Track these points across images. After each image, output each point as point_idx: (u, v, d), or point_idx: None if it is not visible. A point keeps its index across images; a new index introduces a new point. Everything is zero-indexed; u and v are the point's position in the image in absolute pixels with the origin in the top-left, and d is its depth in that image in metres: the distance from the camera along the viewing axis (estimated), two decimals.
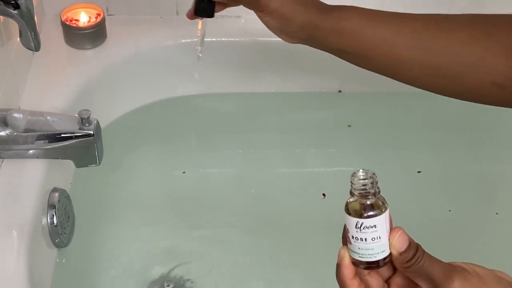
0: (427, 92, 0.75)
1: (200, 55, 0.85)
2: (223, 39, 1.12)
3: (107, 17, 1.08)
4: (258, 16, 0.77)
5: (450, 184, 1.16)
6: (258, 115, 1.20)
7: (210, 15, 0.78)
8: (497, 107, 0.72)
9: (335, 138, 1.19)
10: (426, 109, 1.20)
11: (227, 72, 1.15)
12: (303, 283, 1.02)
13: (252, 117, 1.20)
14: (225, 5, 0.79)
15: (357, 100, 1.20)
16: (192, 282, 0.99)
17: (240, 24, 1.14)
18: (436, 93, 0.73)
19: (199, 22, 0.82)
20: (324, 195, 1.11)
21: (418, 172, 1.16)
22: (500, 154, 1.20)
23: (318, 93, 1.18)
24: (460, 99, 0.72)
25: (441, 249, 1.08)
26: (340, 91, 1.19)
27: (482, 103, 0.71)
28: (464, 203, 1.13)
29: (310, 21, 0.73)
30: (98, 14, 1.06)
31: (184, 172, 1.13)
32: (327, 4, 0.75)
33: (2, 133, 0.79)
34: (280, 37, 0.78)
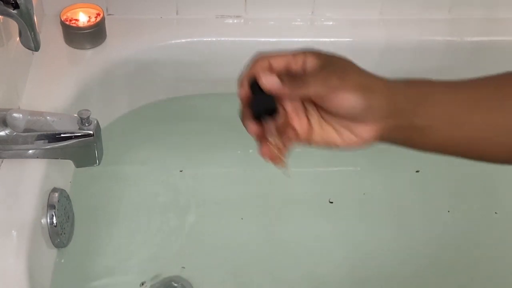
0: None
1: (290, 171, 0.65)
2: (223, 39, 1.12)
3: (107, 17, 1.08)
4: (333, 107, 0.58)
5: (449, 184, 1.16)
6: None
7: (275, 110, 0.58)
8: None
9: None
10: None
11: (227, 72, 1.15)
12: (301, 283, 1.02)
13: None
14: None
15: None
16: (191, 281, 0.99)
17: (240, 24, 1.14)
18: None
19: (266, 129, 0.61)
20: (331, 202, 1.11)
21: (416, 171, 1.16)
22: None
23: None
24: None
25: (440, 249, 1.09)
26: None
27: None
28: (463, 203, 1.13)
29: (392, 86, 0.59)
30: (98, 14, 1.06)
31: (181, 171, 1.13)
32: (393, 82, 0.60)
33: (2, 133, 0.79)
34: (355, 136, 0.60)
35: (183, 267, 1.00)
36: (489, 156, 0.63)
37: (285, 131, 0.61)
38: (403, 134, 0.62)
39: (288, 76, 0.58)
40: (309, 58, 0.59)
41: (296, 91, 0.57)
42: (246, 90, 0.61)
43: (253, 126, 0.62)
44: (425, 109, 0.59)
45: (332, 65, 0.58)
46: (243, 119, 0.63)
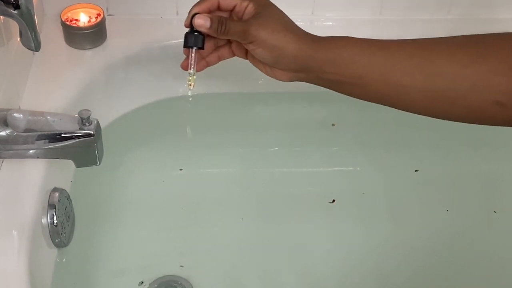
0: None
1: (191, 88, 0.82)
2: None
3: (107, 17, 1.08)
4: (250, 52, 0.75)
5: (448, 183, 1.16)
6: (258, 115, 1.20)
7: (201, 46, 0.76)
8: None
9: (335, 137, 1.19)
10: None
11: (227, 72, 1.15)
12: (301, 283, 1.02)
13: (251, 117, 1.20)
14: (217, 54, 0.79)
15: (357, 100, 1.19)
16: (191, 281, 0.99)
17: None
18: (437, 118, 0.72)
19: (191, 57, 0.79)
20: (333, 200, 1.11)
21: (415, 171, 1.16)
22: (498, 153, 1.21)
23: (318, 93, 1.18)
24: (461, 121, 0.72)
25: (439, 248, 1.09)
26: None
27: (485, 124, 0.71)
28: (462, 202, 1.13)
29: (304, 50, 0.72)
30: (98, 14, 1.06)
31: (181, 170, 1.13)
32: (319, 36, 0.74)
33: (2, 133, 0.79)
34: (274, 76, 0.77)
35: (182, 266, 1.00)
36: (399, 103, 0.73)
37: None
38: (317, 83, 0.75)
39: (225, 17, 0.73)
40: (251, 3, 0.73)
41: (219, 35, 0.73)
42: (188, 22, 0.76)
43: (185, 60, 0.79)
44: (331, 68, 0.71)
45: (261, 17, 0.72)
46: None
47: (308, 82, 0.76)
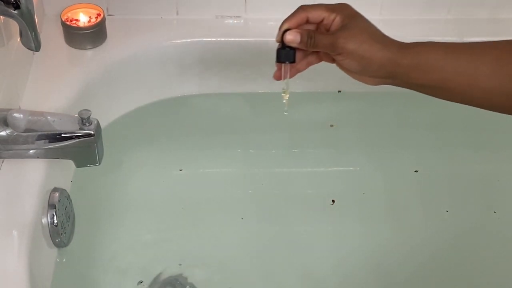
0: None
1: (286, 107, 0.87)
2: (223, 39, 1.12)
3: (107, 17, 1.08)
4: (338, 62, 0.77)
5: (448, 183, 1.16)
6: (258, 115, 1.20)
7: (292, 60, 0.78)
8: None
9: (335, 138, 1.19)
10: (425, 109, 1.20)
11: (227, 72, 1.16)
12: (301, 283, 1.02)
13: (252, 117, 1.20)
14: (306, 61, 0.81)
15: (357, 100, 1.20)
16: (191, 281, 0.99)
17: (240, 24, 1.14)
18: None
19: (283, 70, 0.82)
20: (333, 201, 1.11)
21: (415, 171, 1.16)
22: (498, 153, 1.21)
23: (318, 93, 1.19)
24: None
25: (439, 248, 1.09)
26: (340, 91, 1.19)
27: None
28: (462, 202, 1.13)
29: (390, 58, 0.73)
30: (98, 14, 1.06)
31: (181, 170, 1.13)
32: (404, 42, 0.75)
33: (3, 133, 0.79)
34: (362, 81, 0.78)
35: (180, 264, 1.01)
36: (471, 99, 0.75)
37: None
38: (404, 86, 0.77)
39: (313, 31, 0.76)
40: (338, 15, 0.76)
41: (309, 48, 0.76)
42: (279, 38, 0.78)
43: (277, 71, 0.82)
44: (417, 74, 0.73)
45: (348, 29, 0.74)
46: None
47: (395, 85, 0.78)
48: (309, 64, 0.82)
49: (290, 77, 0.82)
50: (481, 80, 0.71)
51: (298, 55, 0.79)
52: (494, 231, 1.11)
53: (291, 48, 0.77)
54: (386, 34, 0.76)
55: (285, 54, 0.78)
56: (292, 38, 0.76)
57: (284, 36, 0.76)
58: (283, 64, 0.80)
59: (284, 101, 0.85)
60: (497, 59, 0.71)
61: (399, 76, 0.74)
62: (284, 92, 0.85)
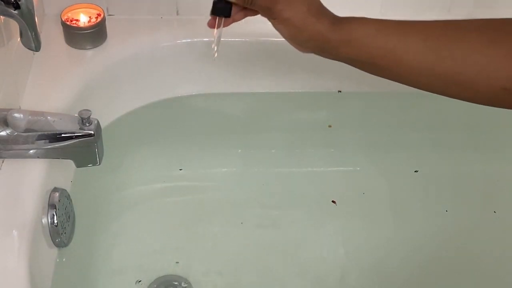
0: (427, 92, 0.76)
1: (216, 55, 0.86)
2: (223, 39, 1.12)
3: (107, 17, 1.08)
4: (272, 23, 0.78)
5: (448, 183, 1.16)
6: (258, 115, 1.20)
7: (227, 15, 0.80)
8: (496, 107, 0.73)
9: (335, 138, 1.19)
10: (425, 109, 1.20)
11: (227, 72, 1.16)
12: (301, 283, 1.02)
13: (252, 117, 1.20)
14: (243, 12, 0.81)
15: (357, 100, 1.20)
16: (191, 281, 0.99)
17: (240, 24, 1.14)
18: (448, 97, 0.74)
19: (217, 21, 0.83)
20: (333, 201, 1.11)
21: (415, 171, 1.17)
22: (498, 153, 1.21)
23: (318, 93, 1.19)
24: (471, 102, 0.74)
25: (439, 247, 1.09)
26: (340, 91, 1.19)
27: (494, 107, 0.73)
28: (462, 202, 1.13)
29: (320, 32, 0.74)
30: (99, 14, 1.06)
31: (181, 169, 1.13)
32: (338, 16, 0.76)
33: (3, 133, 0.79)
34: (292, 45, 0.79)
35: (177, 262, 1.01)
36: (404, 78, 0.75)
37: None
38: (334, 59, 0.77)
39: None
40: None
41: (245, 5, 0.77)
42: None
43: (211, 20, 0.81)
44: (346, 49, 0.74)
45: None
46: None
47: (324, 57, 0.79)
48: (245, 16, 0.82)
49: (225, 26, 0.83)
50: (409, 58, 0.71)
51: (235, 7, 0.79)
52: (494, 231, 1.11)
53: (227, 2, 0.78)
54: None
55: (221, 8, 0.79)
56: None
57: None
58: (218, 18, 0.81)
59: (214, 48, 0.85)
60: (426, 39, 0.71)
61: (327, 51, 0.76)
62: (214, 44, 0.84)
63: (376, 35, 0.73)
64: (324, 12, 0.76)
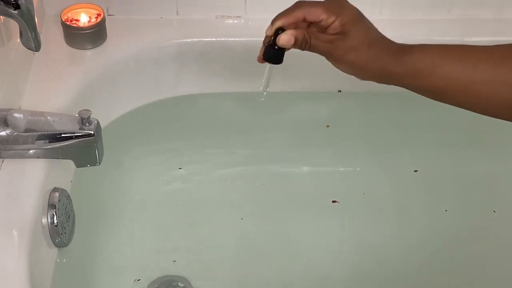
0: None
1: (264, 95, 0.85)
2: (223, 39, 1.12)
3: (107, 17, 1.08)
4: (331, 62, 0.75)
5: (448, 183, 1.16)
6: (258, 115, 1.21)
7: (280, 62, 0.75)
8: None
9: (335, 138, 1.19)
10: (425, 109, 1.20)
11: (227, 72, 1.16)
12: (301, 283, 1.02)
13: (252, 117, 1.20)
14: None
15: (357, 100, 1.20)
16: (190, 280, 0.99)
17: (240, 24, 1.14)
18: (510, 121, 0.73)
19: (267, 67, 0.80)
20: (334, 201, 1.12)
21: (415, 171, 1.17)
22: (498, 153, 1.21)
23: (318, 93, 1.19)
24: None
25: (439, 247, 1.09)
26: (340, 91, 1.19)
27: None
28: (462, 202, 1.13)
29: (384, 68, 0.73)
30: (99, 14, 1.06)
31: (180, 168, 1.13)
32: (399, 45, 0.74)
33: (3, 133, 0.79)
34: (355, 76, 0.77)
35: (174, 261, 1.01)
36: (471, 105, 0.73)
37: None
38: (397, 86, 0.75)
39: (309, 34, 0.72)
40: (337, 20, 0.72)
41: (302, 49, 0.73)
42: (270, 32, 0.74)
43: (260, 61, 0.78)
44: (410, 81, 0.72)
45: (347, 38, 0.72)
46: (260, 50, 0.78)
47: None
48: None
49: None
50: (476, 87, 0.70)
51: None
52: (494, 231, 1.11)
53: (281, 48, 0.73)
54: (386, 34, 0.75)
55: (275, 55, 0.74)
56: (286, 41, 0.72)
57: (278, 37, 0.72)
58: (269, 64, 0.77)
59: (263, 90, 0.83)
60: (494, 66, 0.69)
61: (393, 82, 0.74)
62: (264, 84, 0.83)
63: (442, 65, 0.71)
64: (385, 45, 0.74)
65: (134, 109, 1.15)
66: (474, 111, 0.74)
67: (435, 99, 0.75)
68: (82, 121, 0.80)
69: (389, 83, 0.75)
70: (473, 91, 0.70)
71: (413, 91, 0.75)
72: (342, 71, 0.76)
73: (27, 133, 0.80)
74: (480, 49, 0.71)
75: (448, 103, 0.75)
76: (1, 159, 0.83)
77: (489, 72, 0.69)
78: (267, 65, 0.78)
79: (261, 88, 0.83)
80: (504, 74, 0.69)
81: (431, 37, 1.14)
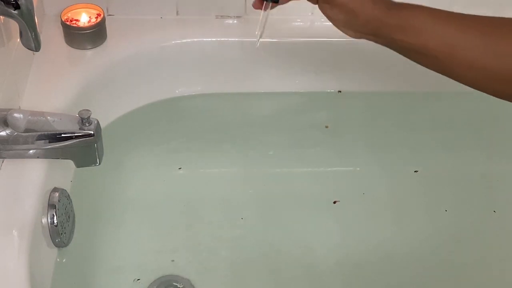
0: (428, 92, 0.75)
1: (260, 40, 0.83)
2: (223, 39, 1.13)
3: (107, 17, 1.08)
4: (323, 8, 0.76)
5: (448, 183, 1.16)
6: (258, 115, 1.21)
7: (277, 1, 0.77)
8: (495, 105, 0.72)
9: (335, 138, 1.19)
10: (425, 109, 1.20)
11: (227, 72, 1.16)
12: (302, 283, 1.02)
13: (252, 117, 1.20)
14: None
15: (357, 100, 1.20)
16: (190, 280, 0.99)
17: (240, 24, 1.14)
18: (491, 95, 0.72)
19: (264, 5, 0.81)
20: (335, 202, 1.11)
21: (415, 171, 1.17)
22: (498, 153, 1.21)
23: (318, 93, 1.19)
24: None
25: (439, 247, 1.09)
26: (340, 91, 1.19)
27: None
28: (462, 202, 1.13)
29: (377, 17, 0.73)
30: (98, 14, 1.06)
31: (180, 168, 1.13)
32: (394, 1, 0.74)
33: (3, 133, 0.79)
34: (344, 32, 0.77)
35: (172, 260, 1.01)
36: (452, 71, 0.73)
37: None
38: (385, 46, 0.75)
39: None
40: None
41: None
42: None
43: (257, 1, 0.79)
44: (401, 36, 0.72)
45: None
46: None
47: (376, 43, 0.77)
48: None
49: (271, 8, 0.81)
50: (464, 53, 0.70)
51: None
52: (494, 231, 1.11)
53: None
54: None
55: None
56: None
57: None
58: (265, 2, 0.79)
59: (258, 34, 0.83)
60: (483, 33, 0.69)
61: (383, 35, 0.74)
62: (259, 28, 0.83)
63: (434, 24, 0.71)
64: None
65: (134, 109, 1.15)
66: (456, 80, 0.73)
67: (418, 62, 0.74)
68: (82, 121, 0.80)
69: (376, 36, 0.74)
70: (460, 57, 0.70)
71: (397, 49, 0.74)
72: (332, 19, 0.76)
73: (27, 133, 0.80)
74: (472, 17, 0.72)
75: (431, 68, 0.74)
76: (1, 159, 0.83)
77: (478, 39, 0.69)
78: (262, 12, 0.80)
79: (256, 32, 0.82)
80: (492, 43, 0.68)
81: None
